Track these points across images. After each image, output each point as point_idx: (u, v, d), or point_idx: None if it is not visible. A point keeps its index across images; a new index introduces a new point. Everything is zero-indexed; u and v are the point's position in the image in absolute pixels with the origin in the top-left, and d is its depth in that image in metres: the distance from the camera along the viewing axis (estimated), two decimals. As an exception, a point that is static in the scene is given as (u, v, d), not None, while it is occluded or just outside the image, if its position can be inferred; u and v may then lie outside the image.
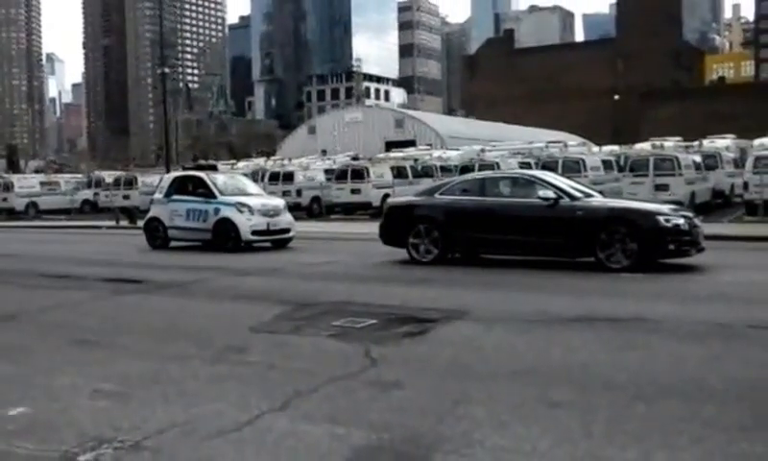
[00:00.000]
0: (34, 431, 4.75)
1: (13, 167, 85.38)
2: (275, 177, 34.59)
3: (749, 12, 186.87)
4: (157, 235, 18.96)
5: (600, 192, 14.38)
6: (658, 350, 6.52)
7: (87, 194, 44.48)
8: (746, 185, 22.97)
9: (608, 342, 6.90)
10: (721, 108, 75.78)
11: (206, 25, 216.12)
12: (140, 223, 23.18)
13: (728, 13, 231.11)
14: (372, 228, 16.26)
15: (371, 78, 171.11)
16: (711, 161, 27.77)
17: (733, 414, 4.72)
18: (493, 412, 4.84)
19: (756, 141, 32.06)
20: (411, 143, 51.62)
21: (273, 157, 48.71)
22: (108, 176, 46.70)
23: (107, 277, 12.73)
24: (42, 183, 44.64)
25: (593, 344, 6.86)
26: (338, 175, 33.04)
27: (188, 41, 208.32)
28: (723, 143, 33.48)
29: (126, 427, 4.72)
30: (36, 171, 71.39)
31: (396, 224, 14.06)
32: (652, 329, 7.33)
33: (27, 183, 44.66)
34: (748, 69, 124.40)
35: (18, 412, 5.16)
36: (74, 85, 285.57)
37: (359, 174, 31.93)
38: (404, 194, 20.89)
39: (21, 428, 4.82)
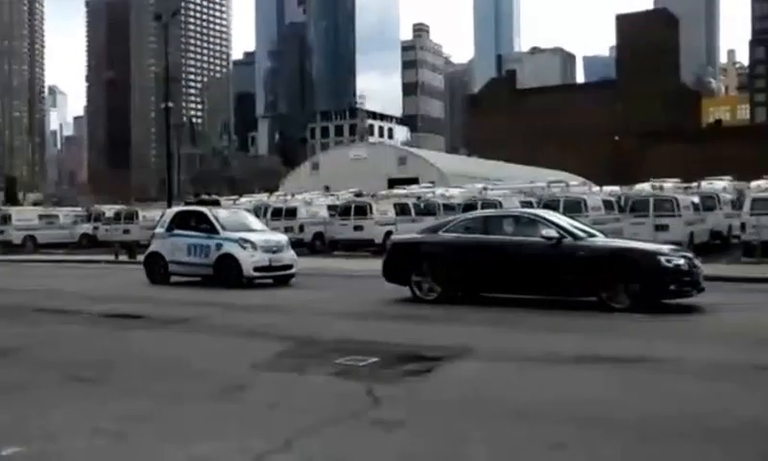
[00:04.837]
0: (30, 469, 4.67)
1: (12, 200, 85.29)
2: (277, 212, 34.51)
3: (743, 57, 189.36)
4: (158, 270, 18.88)
5: (602, 232, 14.37)
6: (661, 390, 6.49)
7: (87, 228, 44.18)
8: (743, 227, 23.01)
9: (611, 382, 6.85)
10: (718, 150, 76.45)
11: (211, 60, 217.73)
12: (140, 257, 23.12)
13: (723, 58, 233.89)
14: (375, 265, 16.21)
15: (374, 115, 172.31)
16: (709, 202, 27.89)
17: (739, 454, 4.67)
18: (496, 453, 4.78)
19: (753, 183, 32.26)
20: (414, 181, 51.74)
21: (276, 193, 48.77)
22: (109, 209, 46.53)
23: (105, 312, 12.66)
24: (41, 216, 44.23)
25: (597, 384, 6.81)
26: (341, 211, 33.02)
27: (192, 76, 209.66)
28: (721, 185, 33.71)
29: (124, 466, 4.65)
30: (35, 204, 71.35)
31: (400, 261, 14.03)
32: (655, 369, 7.30)
33: (25, 216, 44.05)
34: (744, 112, 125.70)
35: (13, 451, 5.06)
36: (76, 118, 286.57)
37: (362, 210, 31.94)
38: (407, 231, 20.88)
39: (17, 466, 4.74)
